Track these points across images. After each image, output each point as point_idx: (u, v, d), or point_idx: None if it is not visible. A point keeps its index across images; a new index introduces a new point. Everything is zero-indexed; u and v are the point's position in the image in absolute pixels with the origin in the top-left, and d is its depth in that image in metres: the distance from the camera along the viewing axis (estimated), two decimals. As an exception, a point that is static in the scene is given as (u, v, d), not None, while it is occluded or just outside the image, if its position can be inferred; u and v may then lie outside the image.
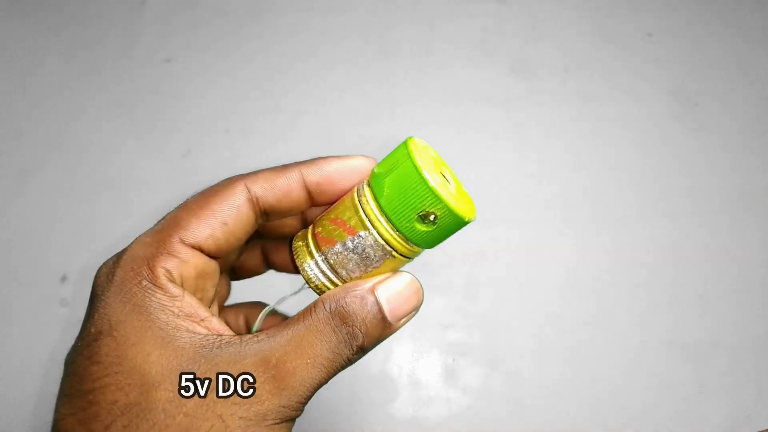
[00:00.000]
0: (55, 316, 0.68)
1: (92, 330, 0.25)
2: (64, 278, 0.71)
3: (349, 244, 0.28)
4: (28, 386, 0.65)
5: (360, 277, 0.29)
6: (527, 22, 0.92)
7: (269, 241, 0.37)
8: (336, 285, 0.29)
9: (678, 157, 0.81)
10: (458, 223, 0.27)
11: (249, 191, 0.29)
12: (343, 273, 0.29)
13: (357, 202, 0.28)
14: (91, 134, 0.82)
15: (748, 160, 0.81)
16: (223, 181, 0.30)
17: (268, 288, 0.40)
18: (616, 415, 0.65)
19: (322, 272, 0.29)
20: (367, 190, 0.28)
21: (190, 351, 0.25)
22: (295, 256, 0.30)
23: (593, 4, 0.94)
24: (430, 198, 0.26)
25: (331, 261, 0.29)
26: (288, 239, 0.36)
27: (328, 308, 0.27)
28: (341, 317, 0.27)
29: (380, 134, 0.80)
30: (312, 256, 0.29)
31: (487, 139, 0.82)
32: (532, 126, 0.83)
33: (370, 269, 0.28)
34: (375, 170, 0.29)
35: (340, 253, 0.28)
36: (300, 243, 0.30)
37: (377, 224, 0.27)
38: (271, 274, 0.39)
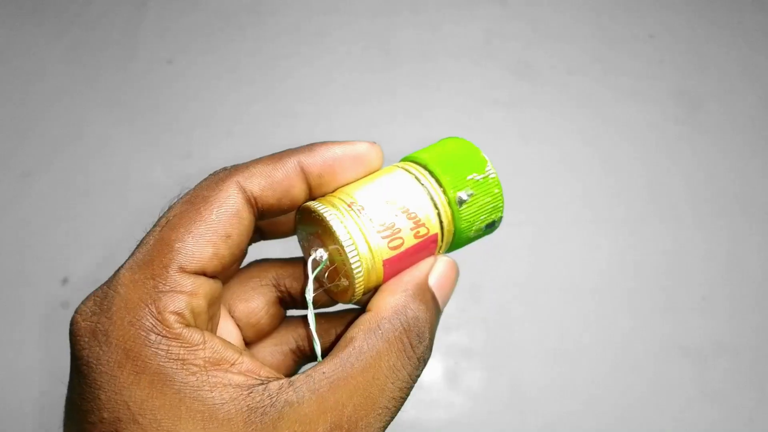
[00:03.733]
0: (56, 318, 0.68)
1: (105, 416, 0.20)
2: (65, 280, 0.71)
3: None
4: (29, 389, 0.65)
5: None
6: (529, 25, 0.91)
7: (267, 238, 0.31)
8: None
9: (680, 159, 0.81)
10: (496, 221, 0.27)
11: (245, 190, 0.23)
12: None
13: (431, 195, 0.25)
14: (93, 136, 0.82)
15: (752, 162, 0.81)
16: (209, 180, 0.24)
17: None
18: (618, 418, 0.65)
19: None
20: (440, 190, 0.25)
21: (240, 423, 0.20)
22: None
23: (595, 5, 0.94)
24: (500, 207, 0.26)
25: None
26: (287, 236, 0.30)
27: (398, 326, 0.23)
28: (417, 334, 0.23)
29: (382, 136, 0.80)
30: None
31: (490, 140, 0.82)
32: (535, 128, 0.83)
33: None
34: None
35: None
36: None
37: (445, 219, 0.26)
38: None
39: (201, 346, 0.21)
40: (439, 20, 0.92)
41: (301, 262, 0.29)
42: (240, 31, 0.91)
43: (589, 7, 0.94)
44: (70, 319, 0.22)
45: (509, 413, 0.64)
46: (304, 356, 0.29)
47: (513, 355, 0.67)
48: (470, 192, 0.25)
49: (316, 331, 0.25)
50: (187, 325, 0.21)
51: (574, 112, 0.84)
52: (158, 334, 0.20)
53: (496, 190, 0.26)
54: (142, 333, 0.20)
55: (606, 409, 0.65)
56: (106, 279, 0.22)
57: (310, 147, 0.25)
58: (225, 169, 0.24)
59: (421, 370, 0.23)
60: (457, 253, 0.28)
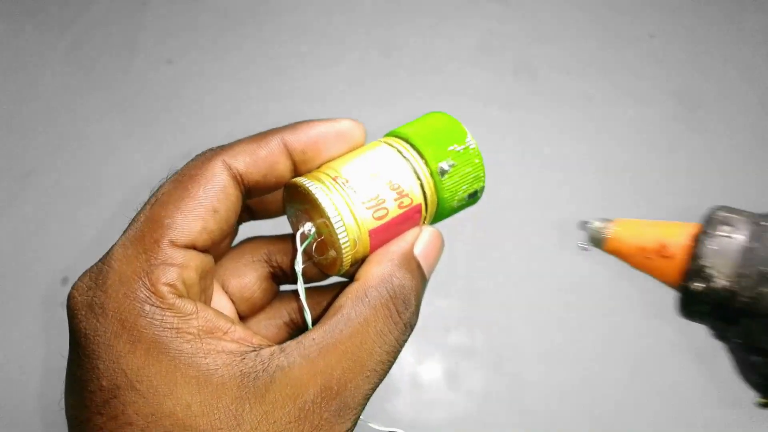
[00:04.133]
0: (57, 318, 0.68)
1: (104, 384, 0.21)
2: (65, 280, 0.71)
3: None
4: (29, 389, 0.65)
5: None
6: (529, 24, 0.91)
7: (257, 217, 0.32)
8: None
9: (680, 159, 0.81)
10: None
11: (230, 168, 0.24)
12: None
13: (414, 168, 0.26)
14: (93, 136, 0.82)
15: (751, 162, 0.81)
16: (196, 160, 0.25)
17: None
18: (620, 419, 0.65)
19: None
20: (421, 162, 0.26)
21: (233, 387, 0.21)
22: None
23: (595, 5, 0.94)
24: (482, 176, 0.27)
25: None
26: (277, 215, 0.31)
27: (384, 294, 0.24)
28: (403, 300, 0.24)
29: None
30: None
31: (490, 140, 0.82)
32: (535, 127, 0.83)
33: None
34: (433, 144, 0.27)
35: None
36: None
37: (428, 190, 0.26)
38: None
39: (194, 316, 0.22)
40: (439, 20, 0.92)
41: (292, 238, 0.29)
42: (240, 30, 0.91)
43: (589, 7, 0.94)
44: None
45: (509, 413, 0.64)
46: (297, 329, 0.30)
47: (513, 355, 0.67)
48: (451, 162, 0.26)
49: (308, 303, 0.26)
50: (180, 296, 0.22)
51: (574, 112, 0.84)
52: (152, 305, 0.21)
53: (477, 160, 0.27)
54: (137, 304, 0.21)
55: (606, 409, 0.65)
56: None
57: (293, 125, 0.26)
58: (211, 149, 0.25)
59: (408, 335, 0.24)
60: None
